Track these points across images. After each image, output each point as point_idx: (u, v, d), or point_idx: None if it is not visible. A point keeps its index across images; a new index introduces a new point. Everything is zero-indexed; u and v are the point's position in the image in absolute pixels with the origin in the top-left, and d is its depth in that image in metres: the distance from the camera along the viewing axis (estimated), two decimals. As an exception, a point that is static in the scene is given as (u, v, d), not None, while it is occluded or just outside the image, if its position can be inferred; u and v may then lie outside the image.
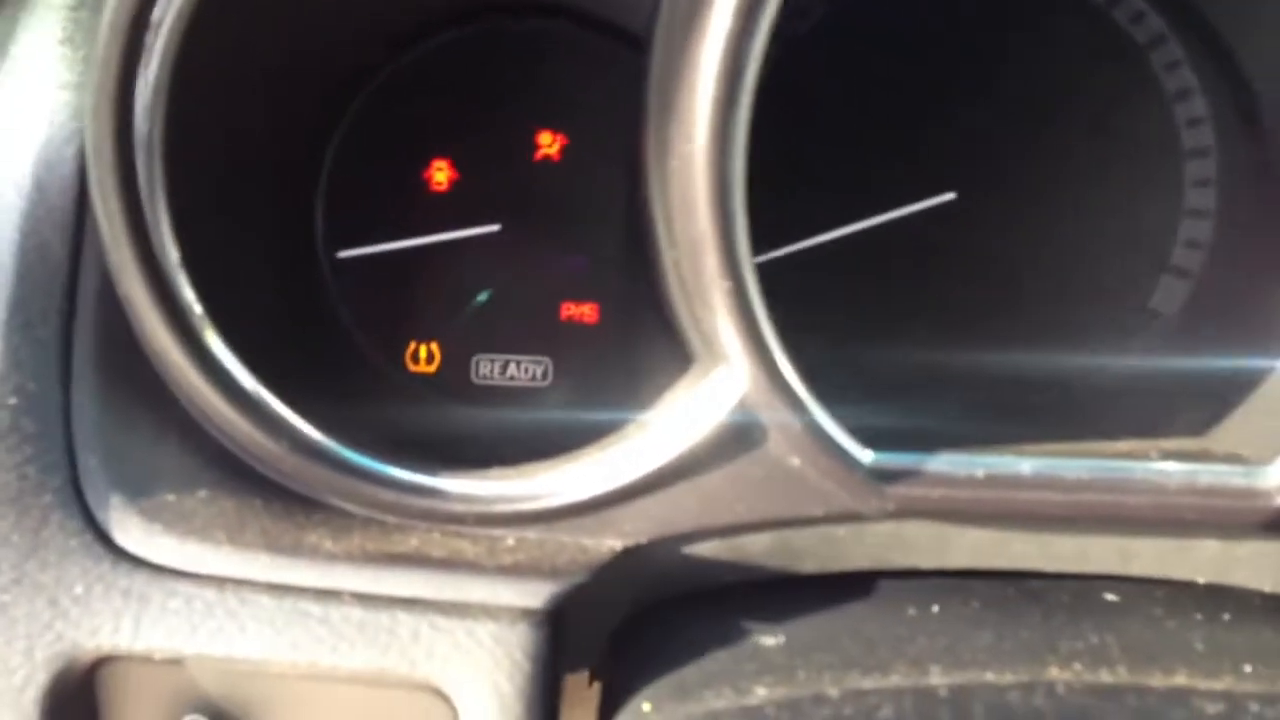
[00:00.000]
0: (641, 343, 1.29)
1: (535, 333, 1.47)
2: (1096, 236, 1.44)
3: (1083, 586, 1.14)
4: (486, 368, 1.48)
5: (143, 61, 0.97)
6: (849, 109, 1.44)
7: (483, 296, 1.46)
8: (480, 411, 1.44)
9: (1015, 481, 1.04)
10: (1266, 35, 1.32)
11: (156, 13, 0.97)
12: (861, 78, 1.44)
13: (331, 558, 1.02)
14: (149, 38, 0.97)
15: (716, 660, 1.03)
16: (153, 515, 1.03)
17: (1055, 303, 1.45)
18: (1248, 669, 0.98)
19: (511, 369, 1.47)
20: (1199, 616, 1.09)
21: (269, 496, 1.07)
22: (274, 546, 1.02)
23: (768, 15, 0.90)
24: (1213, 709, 0.88)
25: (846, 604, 1.11)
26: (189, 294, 1.01)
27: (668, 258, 1.01)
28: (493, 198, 1.45)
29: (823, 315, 1.40)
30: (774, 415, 1.01)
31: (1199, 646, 1.03)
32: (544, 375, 1.48)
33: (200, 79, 1.03)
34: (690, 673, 1.02)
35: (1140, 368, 1.39)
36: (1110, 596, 1.13)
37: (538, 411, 1.43)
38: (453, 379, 1.47)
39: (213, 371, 1.03)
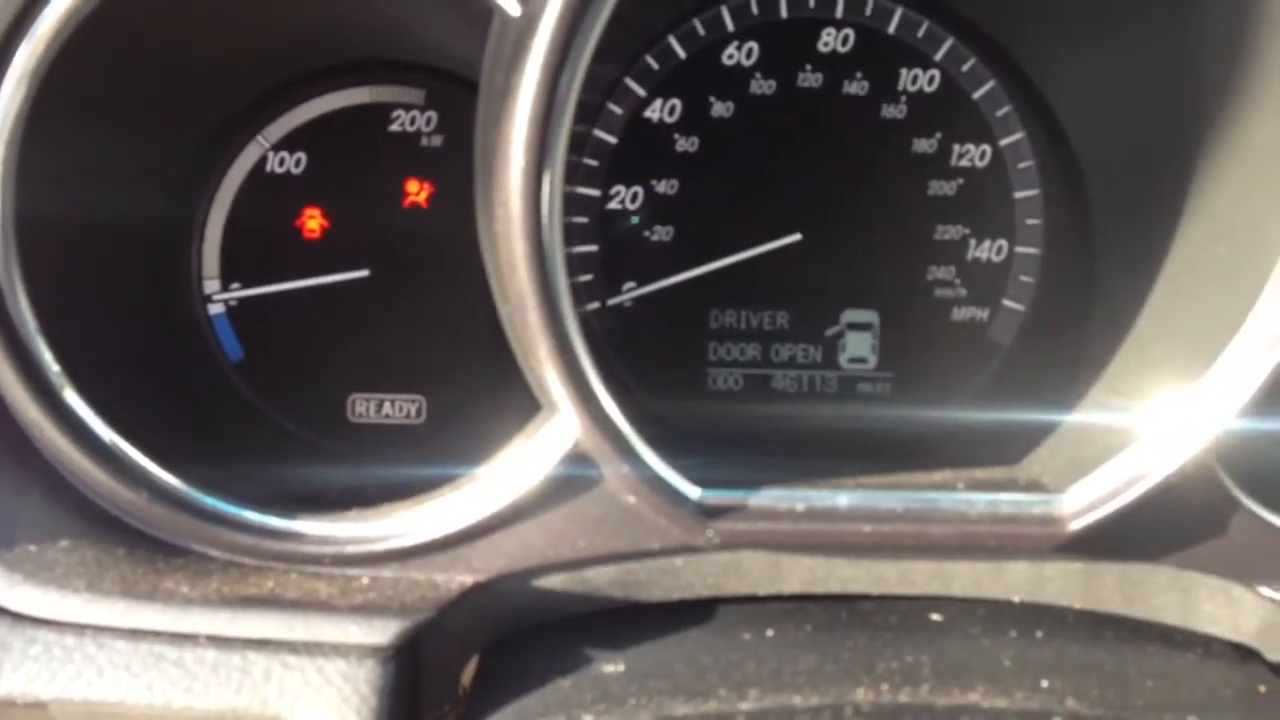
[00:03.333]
0: (511, 382, 1.35)
1: (409, 372, 1.53)
2: (937, 270, 1.53)
3: (912, 607, 1.22)
4: (362, 406, 1.53)
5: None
6: (703, 158, 1.52)
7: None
8: (354, 450, 1.49)
9: (832, 514, 1.12)
10: (1080, 93, 1.42)
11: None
12: (713, 128, 1.52)
13: (188, 602, 1.07)
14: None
15: (559, 689, 1.10)
16: (14, 565, 1.08)
17: (902, 333, 1.54)
18: (1044, 684, 1.06)
19: (386, 407, 1.53)
20: (1014, 634, 1.17)
21: (131, 544, 1.12)
22: (131, 592, 1.07)
23: (574, 90, 0.98)
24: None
25: (688, 631, 1.18)
26: (46, 355, 1.06)
27: (502, 312, 1.08)
28: (363, 244, 1.51)
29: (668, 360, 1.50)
30: (604, 460, 1.08)
31: (1006, 663, 1.11)
32: (418, 413, 1.54)
33: (57, 138, 1.08)
34: (532, 701, 1.08)
35: (968, 402, 1.48)
36: (935, 617, 1.21)
37: (407, 451, 1.49)
38: (329, 418, 1.52)
39: (70, 425, 1.08)
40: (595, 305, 1.52)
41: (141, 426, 1.14)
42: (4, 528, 1.10)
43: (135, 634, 1.05)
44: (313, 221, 1.51)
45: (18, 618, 1.06)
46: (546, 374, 1.05)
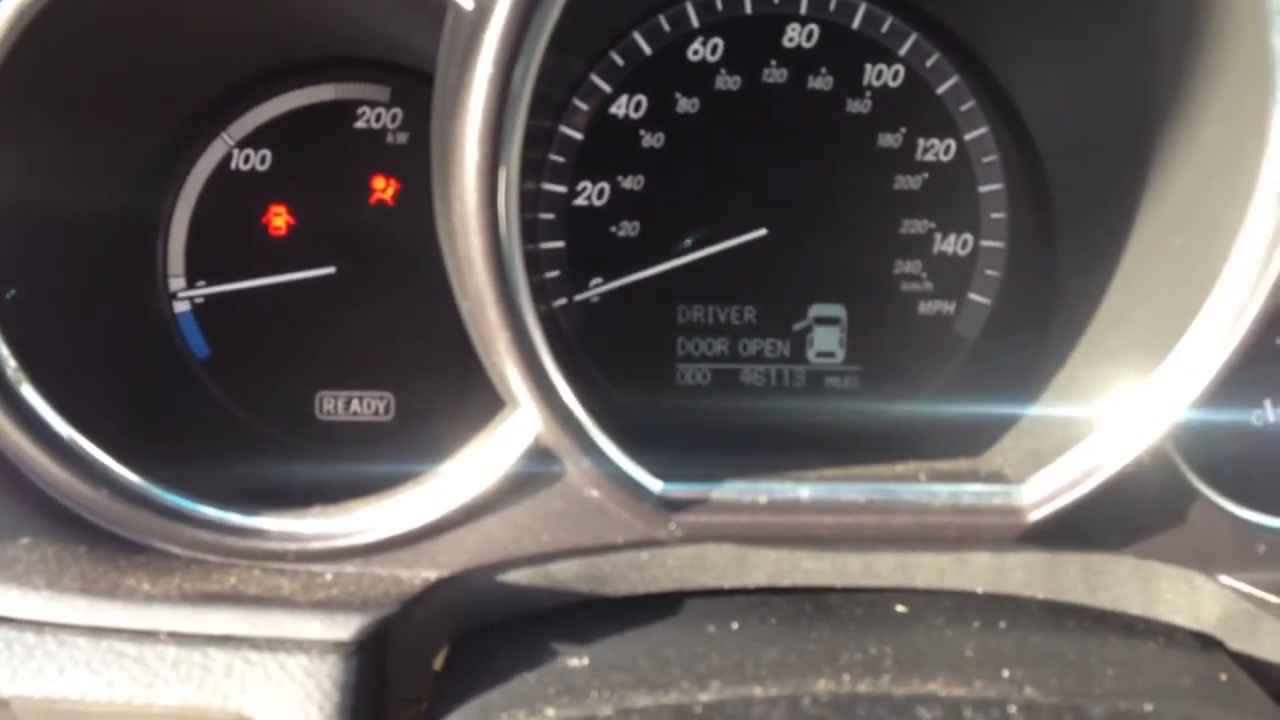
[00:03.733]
0: (479, 378, 1.35)
1: (376, 369, 1.53)
2: (903, 264, 1.54)
3: (877, 599, 1.22)
4: (330, 404, 1.53)
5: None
6: (669, 153, 1.52)
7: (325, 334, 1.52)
8: (321, 448, 1.49)
9: (795, 506, 1.12)
10: (1041, 89, 1.43)
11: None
12: (679, 124, 1.52)
13: (149, 599, 1.07)
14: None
15: (524, 683, 1.10)
16: (-28, 564, 1.07)
17: (870, 326, 1.55)
18: (1005, 674, 1.07)
19: (354, 405, 1.53)
20: (976, 625, 1.18)
21: (92, 541, 1.12)
22: (92, 590, 1.07)
23: (528, 84, 0.98)
24: (930, 715, 0.97)
25: (652, 624, 1.18)
26: (3, 350, 1.06)
27: (462, 307, 1.08)
28: (329, 241, 1.50)
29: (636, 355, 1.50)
30: (566, 455, 1.08)
31: (969, 653, 1.11)
32: (386, 410, 1.54)
33: (16, 134, 1.08)
34: (495, 696, 1.08)
35: (934, 395, 1.49)
36: (900, 608, 1.21)
37: (375, 448, 1.49)
38: (297, 415, 1.52)
39: (28, 421, 1.08)
40: (563, 301, 1.52)
41: (102, 423, 1.14)
42: (-37, 528, 1.09)
43: (96, 631, 1.05)
44: (279, 219, 1.51)
45: (-23, 616, 1.05)
46: (506, 369, 1.05)
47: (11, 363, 1.06)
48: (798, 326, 1.55)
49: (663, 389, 1.55)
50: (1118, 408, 1.14)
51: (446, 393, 1.50)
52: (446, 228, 1.04)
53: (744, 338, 1.55)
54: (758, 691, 1.00)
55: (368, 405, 1.53)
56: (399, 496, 1.16)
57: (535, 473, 1.12)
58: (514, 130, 0.98)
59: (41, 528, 1.12)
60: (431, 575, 1.15)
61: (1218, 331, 1.08)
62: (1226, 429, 1.13)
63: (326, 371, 1.52)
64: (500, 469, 1.11)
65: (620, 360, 1.55)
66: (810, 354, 1.55)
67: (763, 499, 1.13)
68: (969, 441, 1.28)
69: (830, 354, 1.55)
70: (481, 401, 1.20)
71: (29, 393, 1.08)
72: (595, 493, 1.12)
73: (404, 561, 1.15)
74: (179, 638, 1.05)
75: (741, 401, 1.55)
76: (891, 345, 1.54)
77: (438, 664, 1.23)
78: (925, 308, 1.54)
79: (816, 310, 1.55)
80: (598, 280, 1.53)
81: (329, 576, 1.14)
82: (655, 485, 1.12)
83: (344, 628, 1.06)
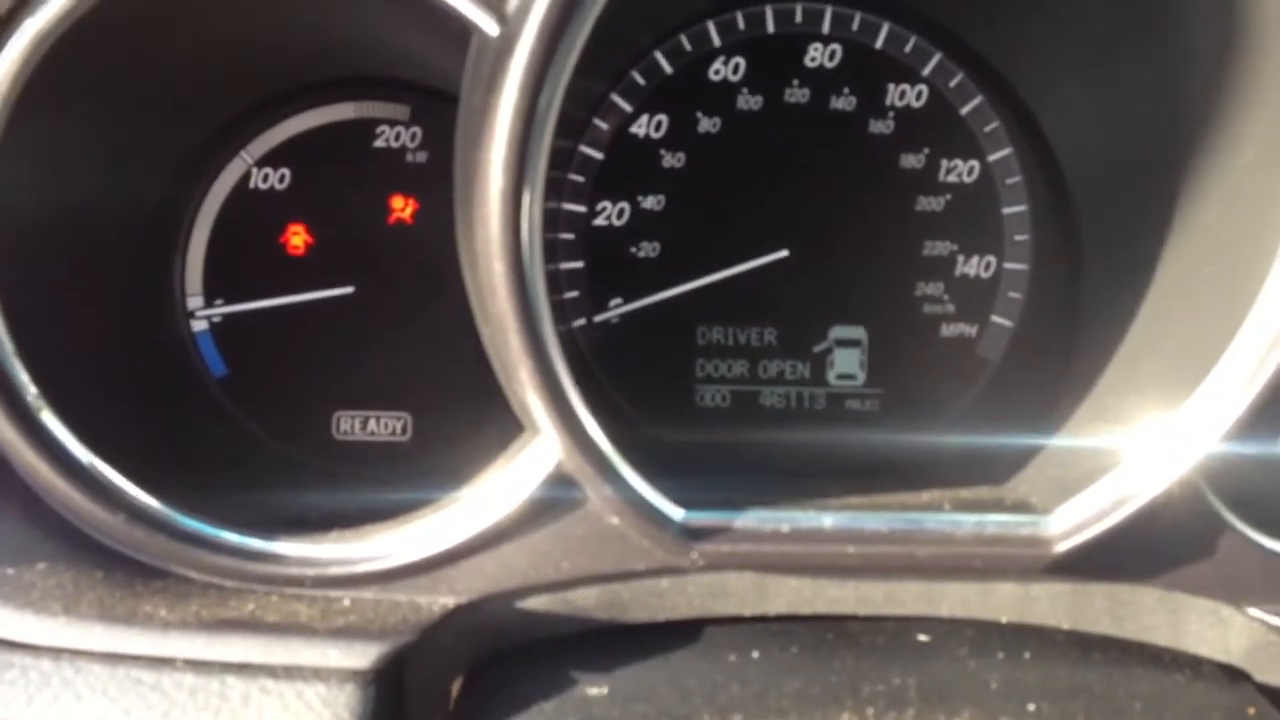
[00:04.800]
0: (497, 399, 1.34)
1: (394, 389, 1.52)
2: (925, 286, 1.52)
3: (899, 628, 1.21)
4: (347, 424, 1.52)
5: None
6: (690, 173, 1.51)
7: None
8: (338, 468, 1.48)
9: (818, 535, 1.11)
10: (1067, 110, 1.42)
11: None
12: (700, 144, 1.51)
13: (166, 625, 1.06)
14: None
15: (543, 712, 1.09)
16: (-10, 589, 1.07)
17: (891, 349, 1.53)
18: (1031, 708, 1.05)
19: (372, 424, 1.52)
20: (1001, 655, 1.17)
21: (109, 566, 1.11)
22: (109, 616, 1.06)
23: (553, 110, 0.97)
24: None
25: (672, 652, 1.17)
26: (23, 376, 1.05)
27: (483, 333, 1.07)
28: (348, 260, 1.50)
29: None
30: (587, 481, 1.07)
31: (993, 686, 1.10)
32: (403, 430, 1.53)
33: (37, 155, 1.07)
34: (515, 725, 1.07)
35: (956, 420, 1.48)
36: (922, 637, 1.20)
37: (392, 469, 1.48)
38: (314, 435, 1.51)
39: (48, 447, 1.07)
40: (582, 322, 1.51)
41: (120, 447, 1.13)
42: (-20, 552, 1.09)
43: (113, 658, 1.04)
44: (297, 238, 1.50)
45: (-5, 642, 1.05)
46: (528, 397, 1.04)
47: (32, 389, 1.06)
48: (818, 348, 1.54)
49: (682, 410, 1.54)
50: (1146, 438, 1.12)
51: (464, 413, 1.50)
52: (468, 252, 1.03)
53: (764, 359, 1.54)
54: (782, 725, 0.99)
55: (385, 425, 1.52)
56: (418, 522, 1.15)
57: (555, 499, 1.11)
58: (539, 155, 0.97)
59: (57, 552, 1.11)
60: (450, 602, 1.14)
61: (1250, 363, 1.06)
62: (1255, 460, 1.11)
63: (344, 391, 1.52)
64: (520, 495, 1.11)
65: (639, 381, 1.54)
66: (831, 376, 1.54)
67: (785, 528, 1.12)
68: (992, 468, 1.27)
69: (851, 376, 1.54)
70: (499, 422, 1.20)
71: (49, 419, 1.07)
72: (616, 520, 1.11)
73: (423, 588, 1.14)
74: (196, 665, 1.04)
75: (761, 424, 1.54)
76: (913, 368, 1.53)
77: (453, 693, 1.22)
78: (947, 330, 1.53)
79: (837, 332, 1.54)
80: (617, 300, 1.52)
81: (347, 603, 1.13)
82: (677, 513, 1.11)
83: (362, 656, 1.05)
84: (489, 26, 1.01)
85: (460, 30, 1.04)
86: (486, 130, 0.98)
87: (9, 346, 1.05)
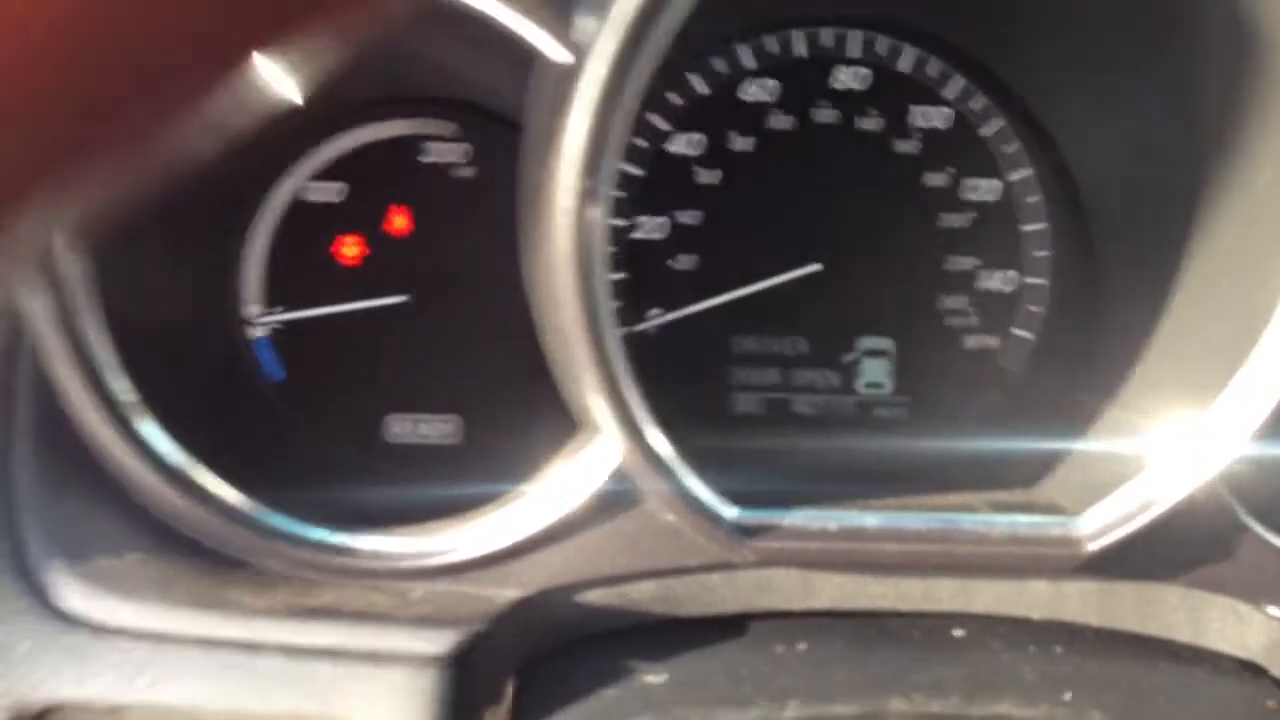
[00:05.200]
0: (545, 401, 1.41)
1: (445, 393, 1.59)
2: (949, 300, 1.60)
3: (935, 624, 1.28)
4: (399, 426, 1.59)
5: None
6: (725, 189, 1.59)
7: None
8: (391, 469, 1.55)
9: (862, 533, 1.18)
10: (1085, 133, 1.50)
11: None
12: (734, 162, 1.58)
13: (254, 612, 1.13)
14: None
15: (605, 699, 1.15)
16: (89, 578, 1.13)
17: (918, 359, 1.61)
18: (1067, 697, 1.12)
19: (423, 427, 1.59)
20: (1033, 649, 1.23)
21: (196, 558, 1.18)
22: (200, 603, 1.12)
23: (623, 133, 1.04)
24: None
25: (723, 644, 1.23)
26: (121, 384, 1.12)
27: (545, 340, 1.14)
28: (401, 270, 1.57)
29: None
30: (646, 481, 1.14)
31: (1029, 677, 1.17)
32: (455, 433, 1.59)
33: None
34: (580, 710, 1.13)
35: (982, 426, 1.55)
36: (958, 632, 1.27)
37: (444, 470, 1.54)
38: (366, 437, 1.58)
39: (144, 450, 1.13)
40: (623, 331, 1.57)
41: (204, 448, 1.20)
42: (80, 544, 1.15)
43: (207, 643, 1.10)
44: (351, 249, 1.57)
45: (95, 627, 1.11)
46: (591, 400, 1.11)
47: (130, 397, 1.12)
48: (847, 358, 1.61)
49: (717, 416, 1.61)
50: (1168, 444, 1.20)
51: (513, 415, 1.56)
52: (534, 267, 1.10)
53: (796, 368, 1.61)
54: (838, 709, 1.06)
55: (436, 428, 1.58)
56: (484, 518, 1.22)
57: (614, 497, 1.18)
58: (606, 176, 1.04)
59: (147, 544, 1.17)
60: (515, 594, 1.20)
61: (1269, 373, 1.14)
62: (1273, 466, 1.19)
63: (396, 394, 1.58)
64: (582, 494, 1.17)
65: (676, 389, 1.60)
66: (859, 385, 1.61)
67: (832, 526, 1.19)
68: (1019, 473, 1.34)
69: (879, 385, 1.61)
70: (546, 423, 1.26)
71: (145, 424, 1.13)
72: (671, 517, 1.18)
73: (489, 581, 1.21)
74: (285, 649, 1.11)
75: (793, 430, 1.61)
76: (939, 378, 1.60)
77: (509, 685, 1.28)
78: (971, 342, 1.60)
79: (866, 343, 1.61)
80: (656, 311, 1.59)
81: (419, 593, 1.20)
82: (730, 511, 1.18)
83: (440, 642, 1.12)
84: (558, 54, 1.08)
85: (523, 54, 1.11)
86: (554, 151, 1.05)
87: (114, 357, 1.11)
